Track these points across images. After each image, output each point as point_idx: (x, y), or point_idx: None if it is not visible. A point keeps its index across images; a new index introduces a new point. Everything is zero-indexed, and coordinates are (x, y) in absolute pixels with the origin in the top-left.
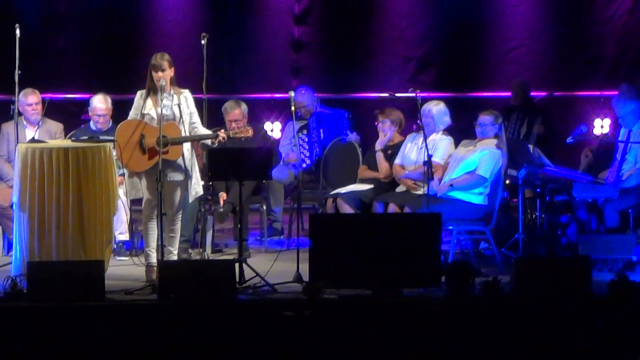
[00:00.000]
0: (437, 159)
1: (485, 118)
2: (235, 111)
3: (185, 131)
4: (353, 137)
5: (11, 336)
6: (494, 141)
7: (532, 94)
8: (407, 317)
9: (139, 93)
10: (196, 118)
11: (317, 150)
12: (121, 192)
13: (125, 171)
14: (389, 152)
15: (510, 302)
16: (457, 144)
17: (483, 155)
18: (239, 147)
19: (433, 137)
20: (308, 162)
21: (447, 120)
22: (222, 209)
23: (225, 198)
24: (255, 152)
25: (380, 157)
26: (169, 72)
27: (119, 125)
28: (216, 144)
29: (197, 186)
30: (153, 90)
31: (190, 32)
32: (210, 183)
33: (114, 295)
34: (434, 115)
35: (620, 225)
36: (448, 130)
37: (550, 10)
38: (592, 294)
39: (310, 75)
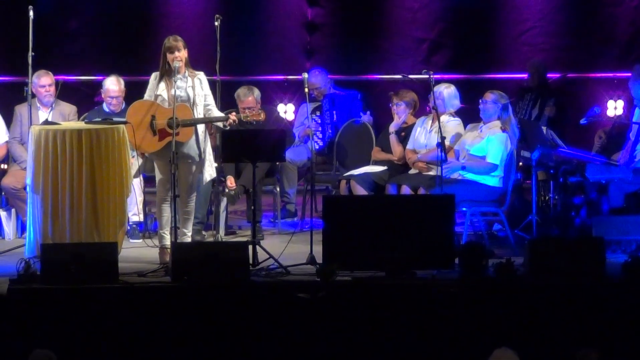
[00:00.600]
0: (445, 140)
1: (487, 96)
2: (249, 98)
3: (198, 113)
4: (366, 117)
5: (25, 318)
6: (499, 124)
7: (547, 75)
8: (420, 298)
9: (153, 75)
10: (210, 100)
11: (330, 132)
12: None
13: (136, 152)
14: (403, 134)
15: (524, 283)
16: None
17: (490, 142)
18: (253, 128)
19: (442, 119)
20: (321, 143)
21: (456, 103)
22: (233, 192)
23: (232, 181)
24: (269, 134)
25: (393, 139)
26: (184, 53)
27: (130, 106)
28: (227, 127)
29: (210, 168)
30: (167, 73)
31: (204, 13)
32: (216, 164)
33: (127, 278)
34: (444, 98)
35: (627, 205)
36: (460, 112)
37: None
38: (605, 276)
39: (324, 56)
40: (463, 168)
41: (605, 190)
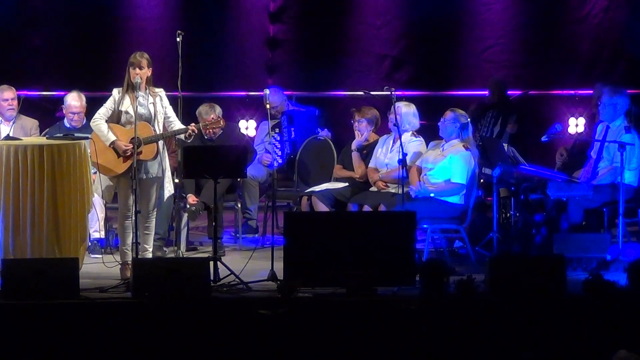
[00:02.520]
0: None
1: (447, 114)
2: (211, 116)
3: (159, 129)
4: (324, 133)
5: None
6: (461, 143)
7: (507, 92)
8: (381, 315)
9: (116, 90)
10: (171, 112)
11: (288, 148)
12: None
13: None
14: (364, 151)
15: (485, 300)
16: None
17: (454, 161)
18: (214, 144)
19: (403, 139)
20: (280, 160)
21: (414, 122)
22: (194, 208)
23: (193, 199)
24: (230, 150)
25: (356, 157)
26: (147, 71)
27: (93, 133)
28: (190, 139)
29: (169, 185)
30: (131, 88)
31: (166, 29)
32: (177, 181)
33: (88, 293)
34: (401, 114)
35: (585, 222)
36: (422, 129)
37: (526, 9)
38: (566, 293)
39: (286, 73)
40: (431, 196)
41: (564, 208)
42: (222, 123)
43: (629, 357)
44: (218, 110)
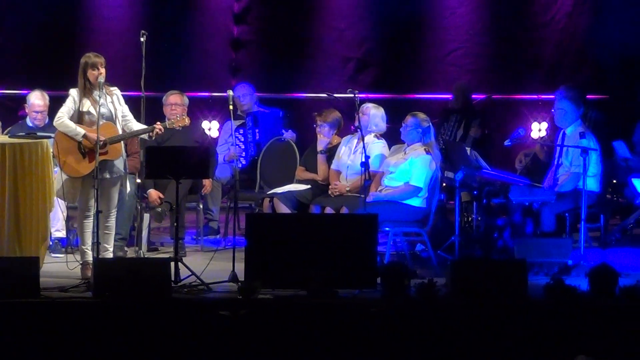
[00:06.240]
0: (371, 166)
1: (408, 119)
2: (176, 97)
3: (120, 128)
4: (289, 135)
5: None
6: (422, 147)
7: (471, 97)
8: (342, 318)
9: (74, 91)
10: (127, 111)
11: (252, 150)
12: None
13: (63, 174)
14: (327, 154)
15: (446, 304)
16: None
17: (414, 164)
18: (177, 145)
19: (366, 140)
20: (244, 161)
21: (381, 125)
22: (160, 209)
23: (156, 194)
24: (193, 151)
25: (321, 159)
26: (104, 70)
27: (56, 132)
28: (153, 137)
29: (128, 183)
30: (88, 90)
31: (129, 29)
32: (139, 181)
33: (48, 293)
34: (369, 114)
35: (556, 229)
36: (385, 132)
37: (490, 13)
38: (527, 298)
39: (249, 74)
40: (387, 200)
41: (530, 213)
42: (187, 121)
43: None
44: (185, 99)
